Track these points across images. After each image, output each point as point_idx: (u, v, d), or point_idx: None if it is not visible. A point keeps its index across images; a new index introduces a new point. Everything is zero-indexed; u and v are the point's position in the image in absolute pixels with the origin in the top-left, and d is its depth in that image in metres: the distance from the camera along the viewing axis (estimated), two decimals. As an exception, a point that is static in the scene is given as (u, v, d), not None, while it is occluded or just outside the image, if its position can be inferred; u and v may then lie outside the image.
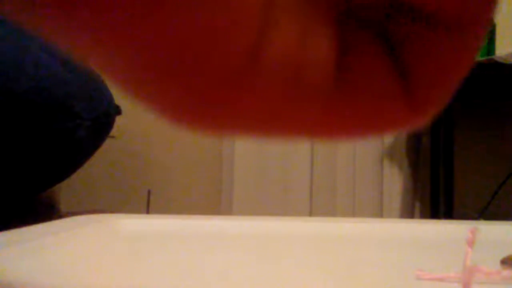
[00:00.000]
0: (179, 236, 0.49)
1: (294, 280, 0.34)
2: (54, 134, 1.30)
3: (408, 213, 1.97)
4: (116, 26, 0.10)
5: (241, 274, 0.35)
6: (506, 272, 0.31)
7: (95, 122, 1.37)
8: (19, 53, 1.18)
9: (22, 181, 1.35)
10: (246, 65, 0.11)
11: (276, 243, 0.47)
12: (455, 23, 0.12)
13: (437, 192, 1.75)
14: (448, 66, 0.13)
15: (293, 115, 0.13)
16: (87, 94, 1.31)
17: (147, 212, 1.95)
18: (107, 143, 1.58)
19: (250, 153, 2.02)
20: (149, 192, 2.03)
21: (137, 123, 1.93)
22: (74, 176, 1.55)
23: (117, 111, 1.49)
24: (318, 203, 2.01)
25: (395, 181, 1.96)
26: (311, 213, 2.01)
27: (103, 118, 1.43)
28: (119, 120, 1.54)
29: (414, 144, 1.98)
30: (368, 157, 1.98)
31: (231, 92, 0.12)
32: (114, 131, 1.56)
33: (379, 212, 1.96)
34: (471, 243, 0.30)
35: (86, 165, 1.52)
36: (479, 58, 1.62)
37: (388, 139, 1.94)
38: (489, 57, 1.60)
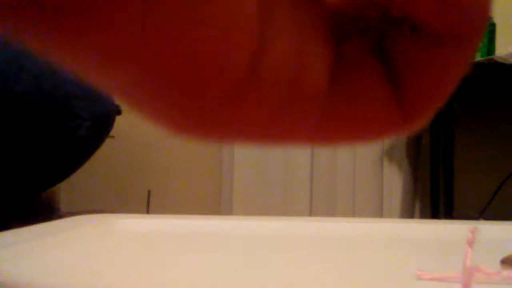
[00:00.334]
0: (179, 236, 0.49)
1: (294, 280, 0.34)
2: (54, 134, 1.30)
3: (408, 213, 1.97)
4: (118, 45, 0.11)
5: (241, 274, 0.35)
6: (506, 272, 0.31)
7: (95, 122, 1.36)
8: (19, 53, 1.18)
9: (22, 181, 1.36)
10: (246, 77, 0.12)
11: (276, 243, 0.47)
12: (447, 36, 0.13)
13: (437, 192, 1.75)
14: (439, 77, 0.14)
15: (290, 124, 0.13)
16: (87, 94, 1.31)
17: (147, 212, 1.96)
18: (107, 143, 1.58)
19: (250, 154, 2.02)
20: (149, 192, 2.03)
21: (137, 123, 1.93)
22: (74, 176, 1.55)
23: (117, 111, 1.49)
24: (318, 203, 2.01)
25: (395, 181, 1.96)
26: (311, 213, 2.01)
27: (103, 118, 1.43)
28: (119, 120, 1.54)
29: (414, 144, 1.98)
30: (368, 157, 1.98)
31: (232, 104, 0.12)
32: (114, 131, 1.56)
33: (379, 212, 1.96)
34: (471, 243, 0.30)
35: (86, 165, 1.52)
36: (479, 58, 1.62)
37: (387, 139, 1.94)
38: (489, 57, 1.60)
